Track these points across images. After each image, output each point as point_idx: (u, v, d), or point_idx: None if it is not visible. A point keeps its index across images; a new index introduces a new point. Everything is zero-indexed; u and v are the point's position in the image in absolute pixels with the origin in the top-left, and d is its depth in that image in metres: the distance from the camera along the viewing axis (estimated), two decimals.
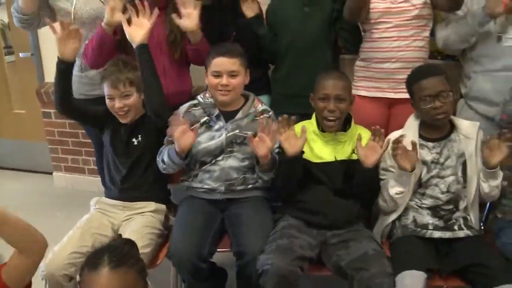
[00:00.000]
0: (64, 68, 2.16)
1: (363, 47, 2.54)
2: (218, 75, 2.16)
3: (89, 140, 3.33)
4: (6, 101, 4.24)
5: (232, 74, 2.16)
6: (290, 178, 2.11)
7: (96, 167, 3.26)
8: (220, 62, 2.16)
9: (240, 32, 2.57)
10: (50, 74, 3.75)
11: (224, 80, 2.15)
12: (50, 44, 3.60)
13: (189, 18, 2.33)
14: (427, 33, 2.46)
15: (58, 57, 2.16)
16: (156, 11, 2.23)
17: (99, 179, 2.64)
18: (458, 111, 2.56)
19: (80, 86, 2.62)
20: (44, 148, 4.00)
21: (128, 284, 1.32)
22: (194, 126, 2.13)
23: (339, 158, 2.14)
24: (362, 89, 2.55)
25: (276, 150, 2.16)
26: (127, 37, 2.24)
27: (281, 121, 2.08)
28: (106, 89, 2.20)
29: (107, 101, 2.23)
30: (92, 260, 1.36)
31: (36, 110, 3.89)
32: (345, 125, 2.20)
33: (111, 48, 2.33)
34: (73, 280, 1.96)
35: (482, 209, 2.34)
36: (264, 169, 2.13)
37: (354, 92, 2.52)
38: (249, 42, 2.53)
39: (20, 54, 3.86)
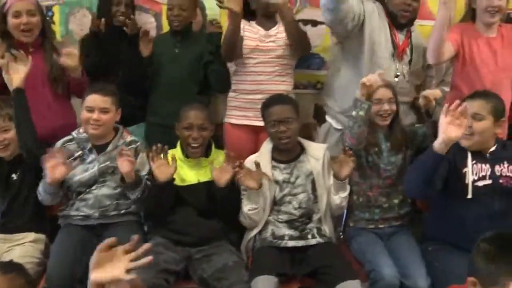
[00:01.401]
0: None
1: (234, 80, 2.96)
2: (90, 110, 2.48)
3: None
4: None
5: (103, 110, 2.48)
6: (162, 203, 2.45)
7: None
8: (94, 99, 2.48)
9: (131, 63, 2.91)
10: None
11: (95, 115, 2.46)
12: None
13: (69, 57, 2.67)
14: (289, 70, 2.94)
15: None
16: (30, 58, 2.52)
17: None
18: (323, 136, 2.99)
19: None
20: None
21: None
22: (69, 160, 2.43)
23: (201, 180, 2.51)
24: (232, 117, 2.96)
25: (146, 176, 2.48)
26: (5, 81, 2.50)
27: (154, 150, 2.41)
28: None
29: None
30: None
31: None
32: (207, 151, 2.57)
33: None
34: None
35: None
36: (130, 188, 2.43)
37: (226, 120, 2.97)
38: (136, 73, 2.91)
39: None
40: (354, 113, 2.47)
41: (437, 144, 2.20)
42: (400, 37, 2.82)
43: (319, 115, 3.13)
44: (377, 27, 2.77)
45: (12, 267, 1.62)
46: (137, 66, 2.89)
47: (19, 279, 1.58)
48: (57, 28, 3.19)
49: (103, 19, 2.85)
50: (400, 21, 2.79)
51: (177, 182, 2.49)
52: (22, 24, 2.63)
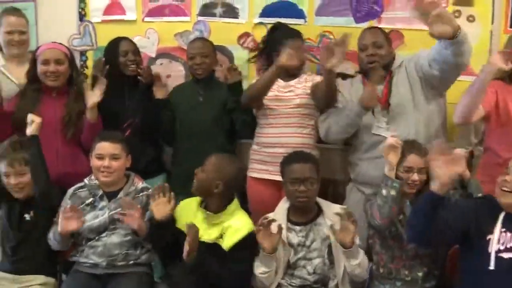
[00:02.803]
0: None
1: (256, 132, 2.95)
2: (101, 157, 2.52)
3: None
4: None
5: (114, 157, 2.52)
6: (158, 242, 2.44)
7: None
8: (103, 146, 2.53)
9: (147, 112, 2.96)
10: None
11: (106, 162, 2.50)
12: None
13: (93, 96, 2.77)
14: (311, 121, 2.87)
15: None
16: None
17: None
18: (348, 194, 2.93)
19: None
20: None
21: None
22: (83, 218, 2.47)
23: (204, 239, 2.38)
24: (254, 171, 2.93)
25: (147, 218, 2.49)
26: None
27: (156, 188, 2.45)
28: (2, 167, 2.55)
29: (3, 178, 2.56)
30: None
31: None
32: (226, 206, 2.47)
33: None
34: None
35: None
36: (145, 239, 2.47)
37: (248, 174, 2.92)
38: (152, 122, 2.96)
39: None
40: (384, 191, 2.34)
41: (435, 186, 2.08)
42: (379, 88, 2.73)
43: None
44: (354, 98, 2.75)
45: None
46: (152, 112, 2.95)
47: None
48: (90, 73, 3.26)
49: (107, 66, 2.96)
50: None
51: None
52: (49, 72, 2.78)
